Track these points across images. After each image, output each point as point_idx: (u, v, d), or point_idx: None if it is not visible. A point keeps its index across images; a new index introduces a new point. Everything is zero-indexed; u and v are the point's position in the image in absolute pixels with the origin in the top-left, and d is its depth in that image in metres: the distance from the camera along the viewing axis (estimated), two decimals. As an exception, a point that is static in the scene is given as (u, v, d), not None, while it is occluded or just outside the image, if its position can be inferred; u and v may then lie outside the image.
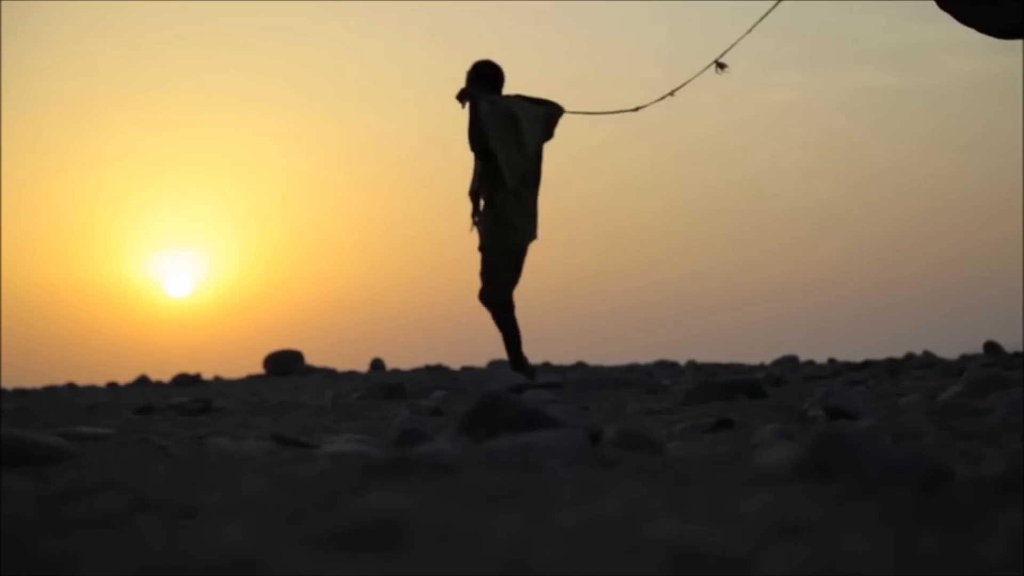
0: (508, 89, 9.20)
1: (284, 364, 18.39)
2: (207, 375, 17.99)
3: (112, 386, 17.05)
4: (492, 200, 9.16)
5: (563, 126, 9.29)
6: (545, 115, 9.22)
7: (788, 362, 14.48)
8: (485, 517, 1.70)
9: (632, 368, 15.97)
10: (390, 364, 18.62)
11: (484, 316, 9.77)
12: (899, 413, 4.80)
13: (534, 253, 9.34)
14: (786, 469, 2.01)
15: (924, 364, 11.41)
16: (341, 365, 18.12)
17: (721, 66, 8.48)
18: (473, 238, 9.37)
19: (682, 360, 17.19)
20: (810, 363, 14.37)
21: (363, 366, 17.94)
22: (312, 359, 18.81)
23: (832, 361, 14.22)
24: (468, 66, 9.25)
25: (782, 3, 7.68)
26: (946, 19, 6.82)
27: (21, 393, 14.91)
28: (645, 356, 17.95)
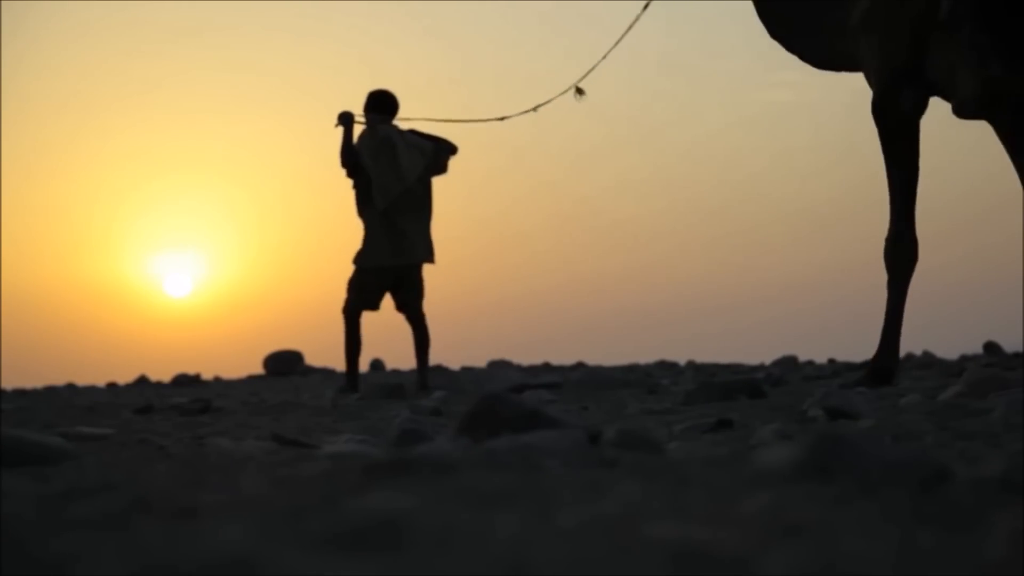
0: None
1: (284, 364, 18.39)
2: (207, 375, 18.00)
3: (112, 386, 17.05)
4: (363, 218, 9.67)
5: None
6: (433, 149, 9.75)
7: (788, 362, 14.48)
8: (485, 517, 1.70)
9: (632, 368, 15.97)
10: (390, 364, 18.62)
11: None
12: (899, 413, 4.80)
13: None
14: (786, 469, 2.01)
15: (924, 364, 11.41)
16: (341, 365, 18.12)
17: (580, 91, 8.52)
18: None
19: (682, 360, 17.19)
20: (810, 363, 14.36)
21: (363, 366, 17.94)
22: (312, 359, 18.81)
23: (832, 361, 14.21)
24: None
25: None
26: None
27: (21, 393, 14.91)
28: (645, 356, 17.96)
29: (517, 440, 2.52)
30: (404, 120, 9.75)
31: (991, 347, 13.85)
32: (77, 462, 3.34)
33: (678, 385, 8.84)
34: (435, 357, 10.84)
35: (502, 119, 9.09)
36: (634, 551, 1.48)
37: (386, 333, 9.86)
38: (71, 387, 16.64)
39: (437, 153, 9.73)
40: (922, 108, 6.36)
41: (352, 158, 9.30)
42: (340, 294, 9.96)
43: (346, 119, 9.34)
